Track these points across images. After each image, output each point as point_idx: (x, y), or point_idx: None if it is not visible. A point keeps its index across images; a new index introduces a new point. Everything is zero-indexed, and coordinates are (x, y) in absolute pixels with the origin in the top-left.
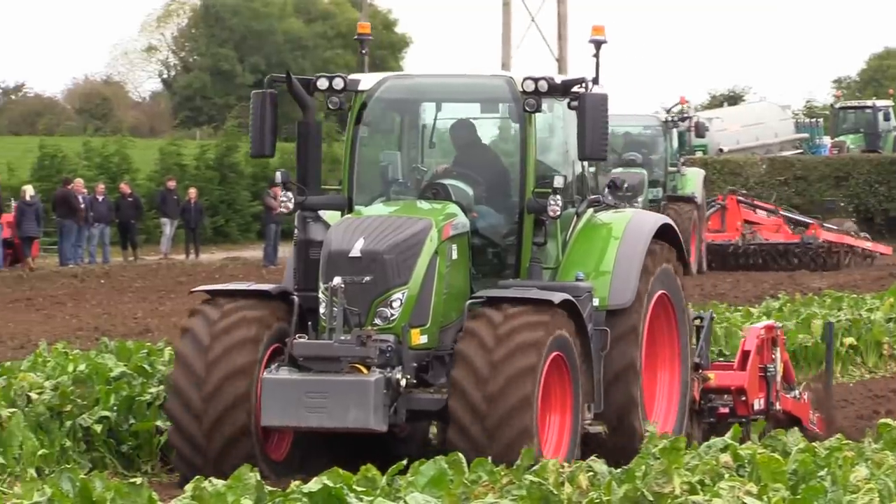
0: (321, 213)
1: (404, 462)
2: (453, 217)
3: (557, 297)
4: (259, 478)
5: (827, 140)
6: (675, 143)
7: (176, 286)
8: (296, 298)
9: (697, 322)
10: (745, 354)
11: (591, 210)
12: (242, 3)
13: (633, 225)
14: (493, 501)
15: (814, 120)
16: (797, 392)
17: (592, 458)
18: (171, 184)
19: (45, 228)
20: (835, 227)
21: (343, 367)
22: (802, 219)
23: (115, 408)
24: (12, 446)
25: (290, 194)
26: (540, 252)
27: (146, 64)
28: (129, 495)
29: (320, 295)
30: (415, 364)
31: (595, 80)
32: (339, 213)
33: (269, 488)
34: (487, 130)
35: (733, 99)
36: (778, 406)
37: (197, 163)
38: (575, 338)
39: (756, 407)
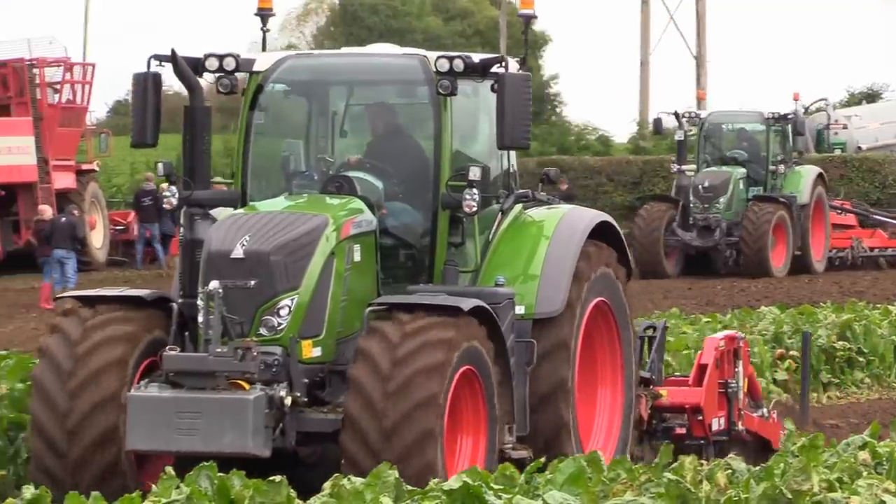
0: (218, 211)
1: (542, 460)
2: (357, 213)
3: (468, 303)
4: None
5: None
6: (799, 140)
7: None
8: (174, 306)
9: (650, 332)
10: (702, 368)
11: (519, 206)
12: (381, 2)
13: (566, 223)
14: (631, 499)
15: None
16: (765, 410)
17: (731, 455)
18: None
19: None
20: None
21: (220, 383)
22: (888, 219)
23: None
24: None
25: (173, 188)
26: (458, 253)
27: None
28: (268, 493)
29: (198, 302)
30: (306, 380)
31: (523, 60)
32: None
33: (408, 487)
34: (405, 116)
35: (872, 96)
36: (740, 426)
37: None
38: (490, 350)
39: (714, 427)
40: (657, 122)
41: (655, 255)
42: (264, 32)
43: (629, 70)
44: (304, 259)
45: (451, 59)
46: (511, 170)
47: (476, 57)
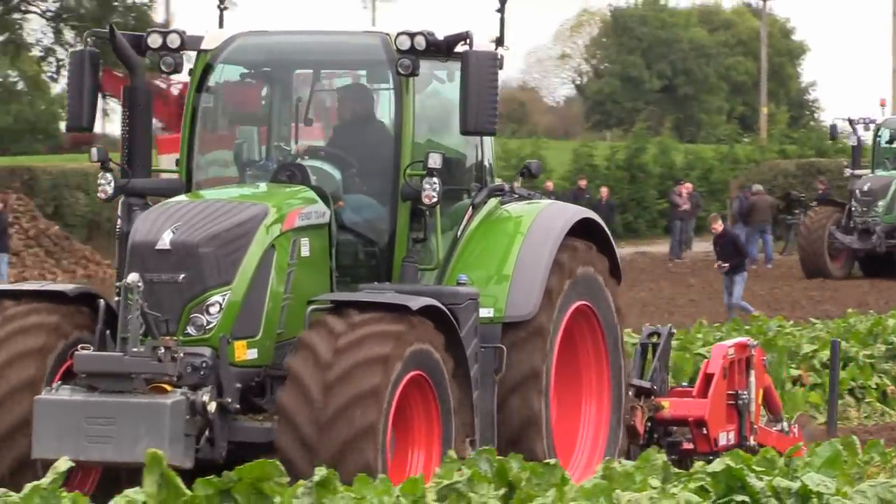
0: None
1: (801, 444)
2: (306, 204)
3: (418, 302)
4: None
5: None
6: None
7: None
8: (101, 302)
9: (653, 339)
10: (708, 378)
11: (494, 201)
12: (650, 14)
13: (543, 218)
14: (884, 480)
15: None
16: (785, 424)
17: None
18: (583, 183)
19: None
20: None
21: (138, 386)
22: None
23: None
24: None
25: (108, 176)
26: (420, 250)
27: (560, 70)
28: (543, 475)
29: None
30: (239, 384)
31: (500, 41)
32: None
33: (675, 469)
34: (366, 100)
35: None
36: (753, 441)
37: (607, 163)
38: (445, 355)
39: (722, 442)
40: (832, 127)
41: (819, 256)
42: (221, 10)
43: (882, 77)
44: (238, 251)
45: (412, 35)
46: (486, 161)
47: (440, 34)
